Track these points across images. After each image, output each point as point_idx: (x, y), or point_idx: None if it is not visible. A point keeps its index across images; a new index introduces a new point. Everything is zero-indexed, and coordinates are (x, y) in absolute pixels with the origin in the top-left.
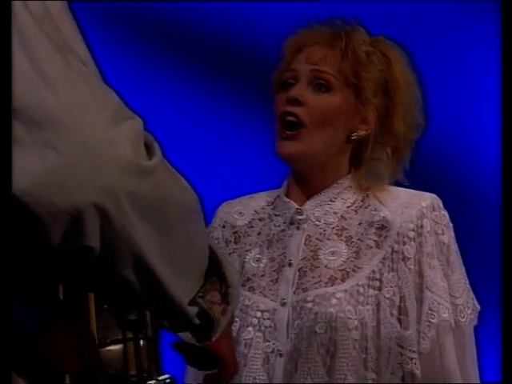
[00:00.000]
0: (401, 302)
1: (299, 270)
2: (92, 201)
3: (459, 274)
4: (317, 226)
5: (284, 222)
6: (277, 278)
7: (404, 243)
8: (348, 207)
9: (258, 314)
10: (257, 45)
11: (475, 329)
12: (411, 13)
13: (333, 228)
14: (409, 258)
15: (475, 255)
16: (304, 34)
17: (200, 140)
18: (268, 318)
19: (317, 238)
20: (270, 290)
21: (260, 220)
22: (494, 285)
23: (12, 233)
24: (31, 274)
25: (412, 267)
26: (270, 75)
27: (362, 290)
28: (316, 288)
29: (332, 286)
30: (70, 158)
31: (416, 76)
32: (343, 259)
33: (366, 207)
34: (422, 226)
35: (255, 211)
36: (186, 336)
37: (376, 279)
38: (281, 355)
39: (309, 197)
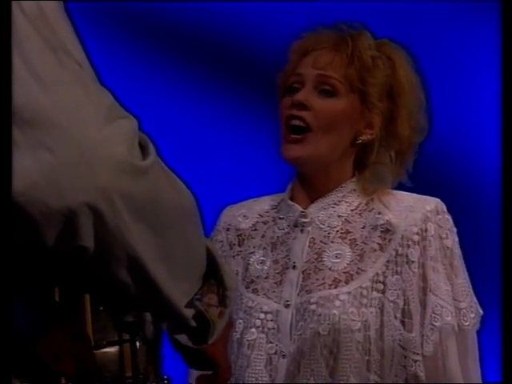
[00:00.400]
0: (405, 304)
1: (303, 272)
2: (85, 201)
3: (462, 279)
4: (321, 228)
5: (288, 225)
6: (281, 280)
7: (408, 246)
8: (352, 210)
9: (262, 316)
10: (257, 45)
11: None
12: (411, 13)
13: (337, 231)
14: (413, 262)
15: (475, 255)
16: (310, 38)
17: (200, 140)
18: (271, 320)
19: (321, 241)
20: (274, 291)
21: (264, 223)
22: (494, 285)
23: (12, 237)
24: (27, 276)
25: (416, 270)
26: (269, 76)
27: (365, 292)
28: (320, 290)
29: (336, 288)
30: (63, 158)
31: (420, 79)
32: (347, 262)
33: (370, 211)
34: (426, 230)
35: (259, 214)
36: (183, 337)
37: (380, 282)
38: (284, 356)
39: (313, 200)
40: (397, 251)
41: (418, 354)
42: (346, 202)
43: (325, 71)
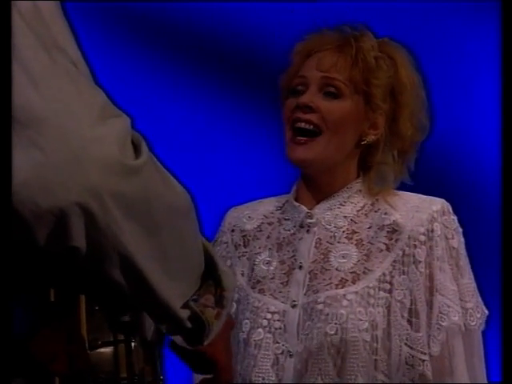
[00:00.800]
0: (412, 304)
1: (310, 272)
2: (75, 200)
3: (468, 279)
4: (327, 229)
5: (294, 226)
6: (287, 281)
7: (415, 247)
8: (358, 211)
9: (269, 316)
10: (257, 44)
11: None
12: (410, 13)
13: (343, 231)
14: (420, 262)
15: (476, 255)
16: (313, 39)
17: (200, 140)
18: (278, 320)
19: (327, 241)
20: (281, 292)
21: (269, 224)
22: (494, 284)
23: (11, 238)
24: (22, 276)
25: (423, 270)
26: (270, 76)
27: (372, 292)
28: (327, 290)
29: (343, 288)
30: (53, 157)
31: (421, 78)
32: (354, 262)
33: (376, 211)
34: (432, 230)
35: (264, 215)
36: (179, 338)
37: (386, 282)
38: (291, 356)
39: (318, 201)
40: (403, 251)
41: (425, 353)
42: (352, 203)
43: (329, 73)
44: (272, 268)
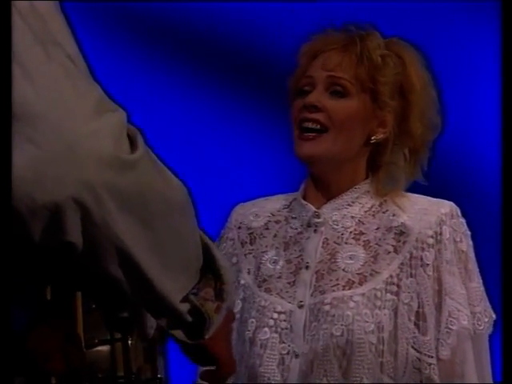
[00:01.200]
0: (419, 307)
1: (316, 272)
2: (71, 195)
3: (477, 282)
4: (334, 229)
5: (301, 225)
6: (294, 281)
7: (423, 249)
8: (365, 212)
9: (275, 316)
10: (257, 44)
11: None
12: (410, 13)
13: (350, 232)
14: (427, 265)
15: (476, 255)
16: (318, 40)
17: (200, 140)
18: (284, 320)
19: (334, 242)
20: (287, 292)
21: (276, 222)
22: (494, 285)
23: (11, 238)
24: (18, 274)
25: (431, 273)
26: (270, 75)
27: (379, 294)
28: (334, 291)
29: (350, 289)
30: (48, 151)
31: (431, 76)
32: (361, 263)
33: (383, 212)
34: (441, 233)
35: (271, 213)
36: (179, 333)
37: (393, 284)
38: (297, 356)
39: (326, 200)
40: (411, 254)
41: (432, 357)
42: (360, 204)
43: (335, 72)
44: (279, 267)
